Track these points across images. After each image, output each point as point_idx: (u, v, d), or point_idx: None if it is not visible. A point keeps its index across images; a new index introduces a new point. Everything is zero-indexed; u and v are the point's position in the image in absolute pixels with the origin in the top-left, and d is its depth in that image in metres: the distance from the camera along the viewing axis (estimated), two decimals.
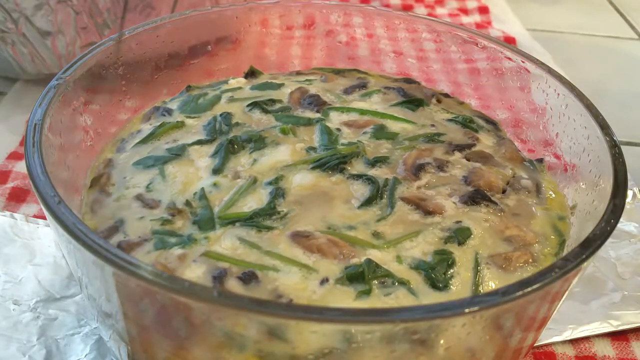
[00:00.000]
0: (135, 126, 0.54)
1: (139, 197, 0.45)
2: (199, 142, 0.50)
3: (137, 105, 0.57)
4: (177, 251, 0.40)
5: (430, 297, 0.38)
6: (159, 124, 0.53)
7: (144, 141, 0.51)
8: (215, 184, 0.45)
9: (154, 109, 0.56)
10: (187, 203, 0.44)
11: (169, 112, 0.55)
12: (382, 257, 0.40)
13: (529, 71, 0.55)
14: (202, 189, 0.45)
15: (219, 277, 0.38)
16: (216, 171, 0.47)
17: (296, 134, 0.51)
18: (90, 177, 0.48)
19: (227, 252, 0.40)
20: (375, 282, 0.38)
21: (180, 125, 0.52)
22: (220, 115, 0.53)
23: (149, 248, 0.41)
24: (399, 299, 0.38)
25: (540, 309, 0.37)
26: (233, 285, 0.38)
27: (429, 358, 0.34)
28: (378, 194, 0.45)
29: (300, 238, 0.41)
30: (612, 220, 0.38)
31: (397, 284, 0.38)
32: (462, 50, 0.61)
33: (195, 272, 0.38)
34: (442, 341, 0.33)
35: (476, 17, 1.07)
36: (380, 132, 0.52)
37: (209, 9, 0.60)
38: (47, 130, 0.42)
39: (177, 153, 0.49)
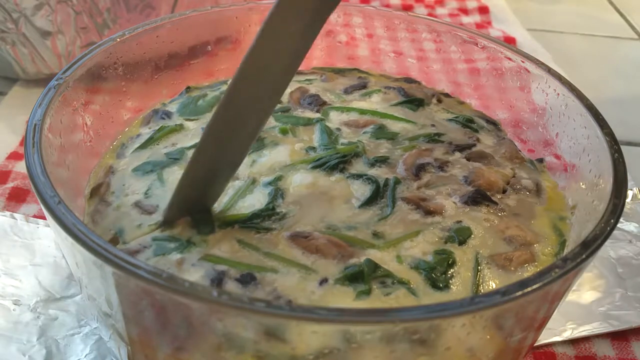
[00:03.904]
0: (135, 130, 0.54)
1: (137, 204, 0.44)
2: None
3: (137, 105, 0.57)
4: (176, 256, 0.40)
5: (431, 297, 0.38)
6: (157, 127, 0.53)
7: (143, 146, 0.51)
8: None
9: (153, 112, 0.55)
10: None
11: (168, 115, 0.55)
12: (382, 257, 0.40)
13: (529, 71, 0.55)
14: None
15: (217, 280, 0.38)
16: None
17: (295, 134, 0.51)
18: (91, 185, 0.48)
19: (225, 254, 0.40)
20: (375, 282, 0.38)
21: (179, 128, 0.52)
22: None
23: (148, 255, 0.40)
24: (399, 298, 0.38)
25: (540, 309, 0.37)
26: (231, 287, 0.37)
27: (429, 358, 0.34)
28: (378, 193, 0.45)
29: (299, 239, 0.41)
30: (612, 220, 0.38)
31: (397, 283, 0.38)
32: (462, 50, 0.61)
33: (194, 276, 0.38)
34: (442, 341, 0.33)
35: (476, 17, 1.07)
36: (381, 132, 0.52)
37: (209, 9, 0.60)
38: (47, 131, 0.42)
39: (176, 157, 0.49)
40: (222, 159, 0.41)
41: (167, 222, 0.42)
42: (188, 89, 0.59)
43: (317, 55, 0.67)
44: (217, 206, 0.44)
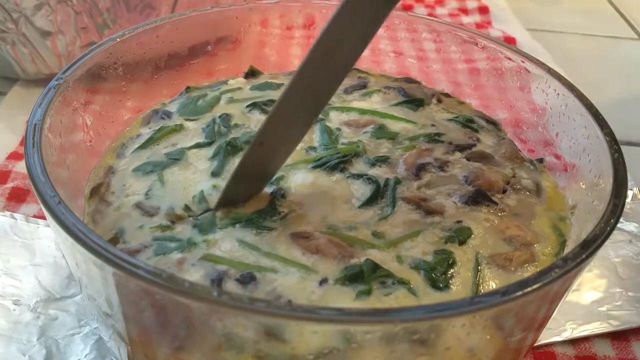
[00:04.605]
0: (135, 130, 0.54)
1: (138, 205, 0.44)
2: (198, 146, 0.50)
3: (137, 105, 0.57)
4: (176, 255, 0.40)
5: (431, 297, 0.38)
6: (158, 127, 0.53)
7: (143, 146, 0.51)
8: (214, 187, 0.45)
9: (153, 112, 0.55)
10: (187, 208, 0.44)
11: (168, 115, 0.54)
12: (382, 257, 0.40)
13: (529, 71, 0.55)
14: (202, 191, 0.45)
15: (217, 280, 0.38)
16: (215, 174, 0.47)
17: None
18: (91, 185, 0.48)
19: (226, 254, 0.40)
20: (375, 282, 0.38)
21: (178, 128, 0.52)
22: (219, 116, 0.53)
23: (148, 254, 0.40)
24: (399, 299, 0.38)
25: (540, 309, 0.37)
26: (231, 287, 0.37)
27: (429, 358, 0.34)
28: (379, 193, 0.45)
29: (299, 239, 0.41)
30: (612, 220, 0.38)
31: (397, 283, 0.38)
32: (462, 50, 0.61)
33: (194, 276, 0.38)
34: (442, 341, 0.33)
35: (476, 17, 1.07)
36: (381, 132, 0.52)
37: (209, 9, 0.60)
38: (47, 130, 0.42)
39: (176, 158, 0.48)
40: (276, 151, 0.43)
41: (220, 208, 0.43)
42: (188, 89, 0.59)
43: None
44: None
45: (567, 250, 0.43)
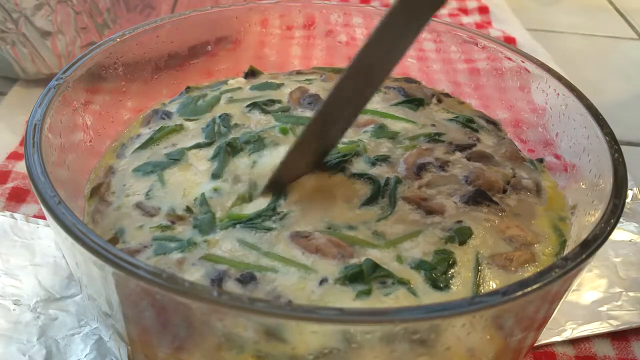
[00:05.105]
0: (135, 130, 0.54)
1: (138, 205, 0.44)
2: (198, 146, 0.50)
3: (137, 105, 0.57)
4: (176, 255, 0.40)
5: (431, 297, 0.38)
6: (158, 128, 0.52)
7: (143, 146, 0.51)
8: (215, 189, 0.45)
9: (153, 112, 0.55)
10: (188, 209, 0.44)
11: (168, 115, 0.54)
12: (382, 257, 0.40)
13: (529, 71, 0.55)
14: (203, 194, 0.45)
15: (218, 280, 0.38)
16: (216, 176, 0.46)
17: (296, 133, 0.51)
18: (91, 185, 0.48)
19: (226, 254, 0.40)
20: (375, 282, 0.38)
21: (178, 128, 0.52)
22: (219, 116, 0.53)
23: (148, 254, 0.40)
24: (399, 299, 0.38)
25: (540, 309, 0.37)
26: (231, 287, 0.37)
27: (429, 358, 0.34)
28: (379, 193, 0.45)
29: (299, 239, 0.41)
30: (612, 220, 0.38)
31: (397, 283, 0.38)
32: (462, 50, 0.61)
33: (194, 276, 0.38)
34: (442, 341, 0.33)
35: (476, 17, 1.07)
36: (381, 131, 0.52)
37: (209, 9, 0.60)
38: (47, 131, 0.42)
39: (176, 158, 0.48)
40: (324, 138, 0.45)
41: (270, 192, 0.44)
42: (188, 89, 0.59)
43: (317, 55, 0.67)
44: (220, 209, 0.44)
45: (567, 250, 0.43)
